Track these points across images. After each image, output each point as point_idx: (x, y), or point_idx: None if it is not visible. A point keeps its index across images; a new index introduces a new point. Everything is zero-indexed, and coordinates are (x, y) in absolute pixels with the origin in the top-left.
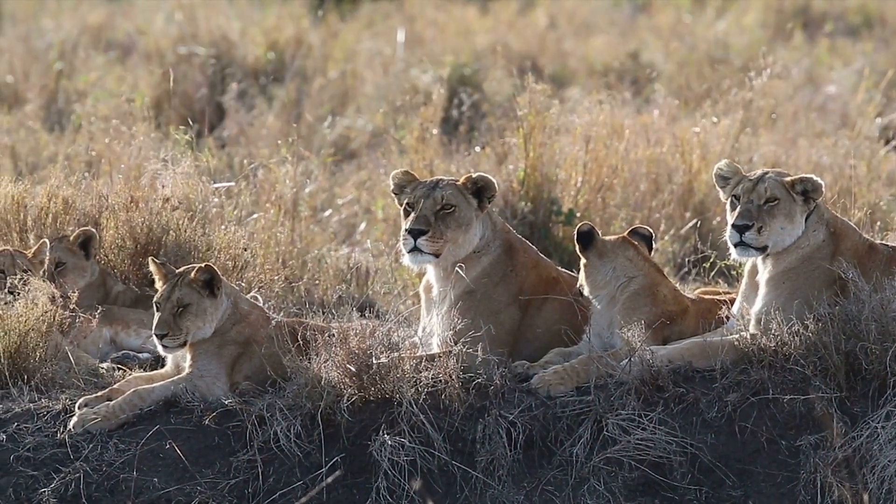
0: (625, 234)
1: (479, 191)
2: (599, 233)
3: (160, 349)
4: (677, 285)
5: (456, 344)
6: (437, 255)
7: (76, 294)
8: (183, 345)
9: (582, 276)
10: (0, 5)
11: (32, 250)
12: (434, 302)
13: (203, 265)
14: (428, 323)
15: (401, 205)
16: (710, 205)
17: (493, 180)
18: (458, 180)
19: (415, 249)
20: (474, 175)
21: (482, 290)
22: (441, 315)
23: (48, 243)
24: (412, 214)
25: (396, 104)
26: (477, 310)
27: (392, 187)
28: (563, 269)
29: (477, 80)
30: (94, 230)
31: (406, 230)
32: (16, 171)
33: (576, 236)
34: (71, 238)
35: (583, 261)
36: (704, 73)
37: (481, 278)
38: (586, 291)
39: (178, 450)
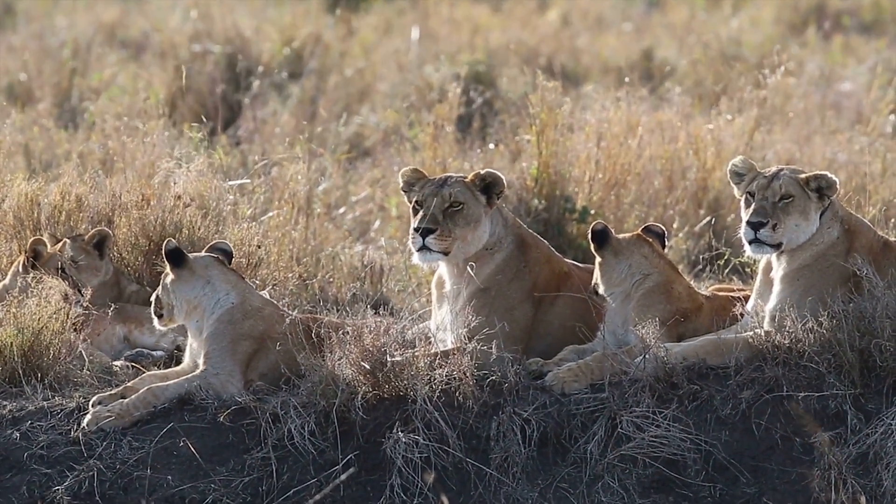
0: (639, 231)
1: (488, 187)
2: (612, 231)
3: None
4: (691, 282)
5: (471, 341)
6: (446, 254)
7: (89, 292)
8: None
9: (597, 274)
10: (14, 3)
11: (56, 248)
12: (446, 297)
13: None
14: (440, 318)
15: (410, 202)
16: (725, 202)
17: (502, 176)
18: (466, 177)
19: (424, 248)
20: (482, 172)
21: (496, 287)
22: (455, 312)
23: (69, 243)
24: (421, 213)
25: (410, 101)
26: (491, 307)
27: (401, 185)
28: (575, 263)
29: (491, 77)
30: (108, 230)
31: (415, 229)
32: (29, 169)
33: (591, 235)
34: (86, 238)
35: (598, 259)
36: (718, 70)
37: (495, 275)
38: (602, 290)
39: (192, 447)
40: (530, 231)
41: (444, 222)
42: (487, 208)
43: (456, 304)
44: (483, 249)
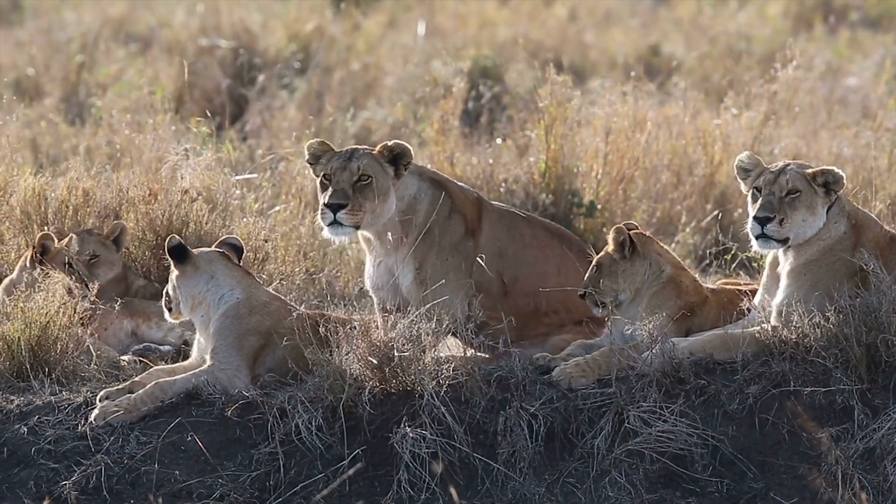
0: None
1: (395, 158)
2: None
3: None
4: (697, 277)
5: (429, 290)
6: (357, 228)
7: (96, 286)
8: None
9: (616, 278)
10: None
11: (64, 242)
12: (374, 247)
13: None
14: (376, 268)
15: (316, 175)
16: (732, 197)
17: (409, 147)
18: (373, 149)
19: (335, 223)
20: (390, 143)
21: (437, 226)
22: (402, 261)
23: (75, 238)
24: (330, 187)
25: (417, 97)
26: (440, 246)
27: (307, 157)
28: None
29: (498, 72)
30: (125, 224)
31: (325, 204)
32: (36, 164)
33: (622, 240)
34: (105, 232)
35: (623, 266)
36: (725, 65)
37: (430, 216)
38: (624, 295)
39: (200, 442)
40: (440, 173)
41: (353, 197)
42: (395, 180)
43: (398, 254)
44: (404, 214)
